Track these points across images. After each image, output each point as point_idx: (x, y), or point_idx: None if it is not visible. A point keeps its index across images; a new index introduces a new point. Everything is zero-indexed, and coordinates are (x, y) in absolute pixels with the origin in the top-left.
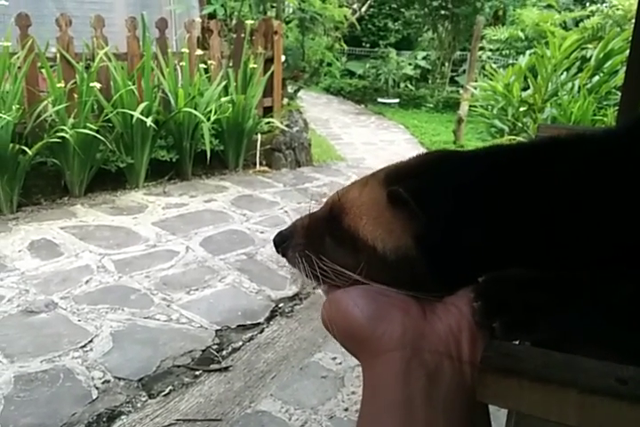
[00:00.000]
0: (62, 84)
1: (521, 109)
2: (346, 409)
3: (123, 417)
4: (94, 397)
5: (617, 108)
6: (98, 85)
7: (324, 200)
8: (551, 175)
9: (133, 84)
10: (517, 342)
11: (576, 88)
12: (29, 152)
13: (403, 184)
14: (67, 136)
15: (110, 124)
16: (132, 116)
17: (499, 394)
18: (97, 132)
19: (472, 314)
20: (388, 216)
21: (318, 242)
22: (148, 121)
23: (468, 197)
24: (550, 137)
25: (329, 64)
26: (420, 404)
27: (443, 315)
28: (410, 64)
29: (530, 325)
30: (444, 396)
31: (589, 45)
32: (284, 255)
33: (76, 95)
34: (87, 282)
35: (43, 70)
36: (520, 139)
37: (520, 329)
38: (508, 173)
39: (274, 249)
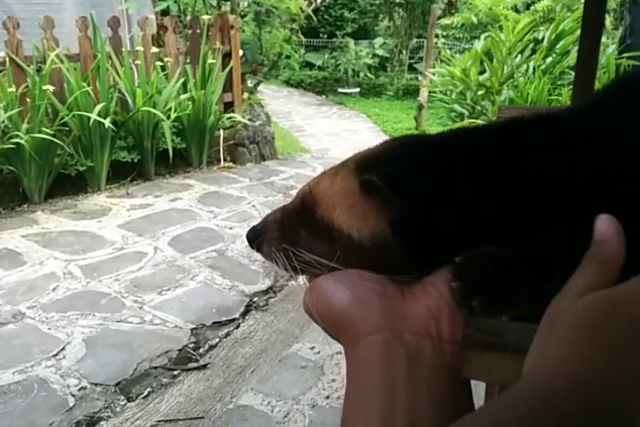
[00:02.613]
0: (13, 89)
1: (479, 93)
2: (327, 397)
3: (102, 423)
4: (71, 405)
5: (571, 87)
6: (51, 88)
7: (293, 193)
8: (517, 155)
9: (88, 86)
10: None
11: (531, 70)
12: None
13: (374, 172)
14: (21, 142)
15: (67, 128)
16: (88, 118)
17: (482, 369)
18: (53, 136)
19: (450, 294)
20: (362, 204)
21: (293, 235)
22: (106, 122)
23: (439, 180)
24: (513, 118)
25: (287, 57)
26: (402, 384)
27: (421, 296)
28: (368, 53)
29: (507, 301)
30: (426, 375)
31: (541, 27)
32: (258, 251)
33: (28, 99)
34: (54, 289)
35: None
36: (480, 122)
37: (498, 306)
38: (476, 154)
39: (246, 245)
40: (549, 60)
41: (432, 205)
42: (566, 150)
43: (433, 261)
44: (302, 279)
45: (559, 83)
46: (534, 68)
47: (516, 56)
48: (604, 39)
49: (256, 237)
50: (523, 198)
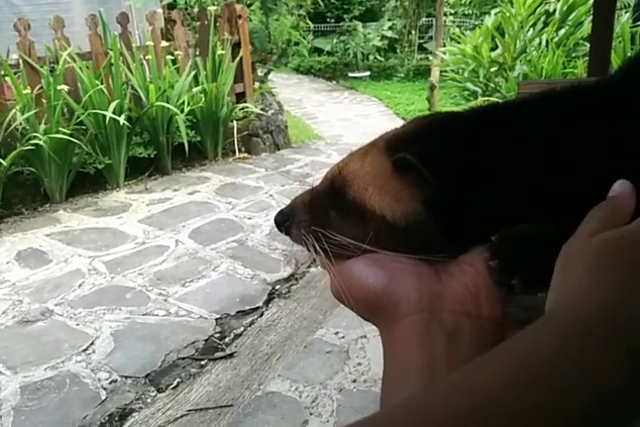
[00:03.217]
0: (29, 91)
1: (492, 70)
2: (354, 381)
3: (134, 414)
4: (103, 398)
5: (586, 58)
6: (65, 88)
7: (310, 180)
8: (550, 129)
9: (101, 83)
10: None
11: (544, 43)
12: (4, 163)
13: (407, 150)
14: (40, 143)
15: (83, 127)
16: (104, 115)
17: None
18: (70, 135)
19: (489, 273)
20: (395, 184)
21: (323, 217)
22: (121, 119)
23: (473, 156)
24: (544, 91)
25: (296, 43)
26: (441, 364)
27: (457, 274)
28: (377, 35)
29: (547, 278)
30: (466, 353)
31: None
32: (287, 234)
33: (44, 100)
34: (80, 286)
35: (7, 78)
36: (494, 99)
37: (538, 283)
38: (508, 130)
39: (266, 234)
40: (562, 32)
41: (467, 183)
42: (601, 123)
43: (467, 239)
44: (326, 263)
45: (574, 55)
46: (547, 42)
47: (528, 30)
48: (617, 7)
49: (285, 221)
50: (558, 173)
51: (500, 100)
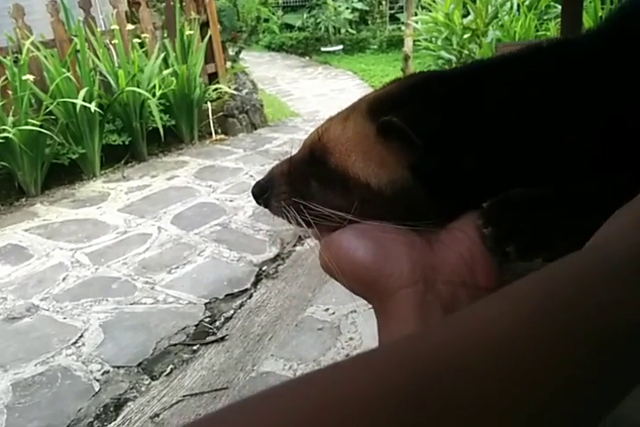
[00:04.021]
0: None
1: (465, 37)
2: (347, 355)
3: (129, 403)
4: (97, 389)
5: (559, 20)
6: (31, 78)
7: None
8: (541, 85)
9: (68, 71)
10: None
11: (515, 7)
12: None
13: (392, 113)
14: (10, 136)
15: (53, 117)
16: (74, 104)
17: None
18: (40, 126)
19: (483, 241)
20: (379, 149)
21: (303, 187)
22: (92, 106)
23: (461, 117)
24: (532, 46)
25: (266, 20)
26: None
27: (450, 243)
28: (347, 8)
29: (543, 244)
30: None
31: None
32: (266, 206)
33: (9, 92)
34: (64, 279)
35: None
36: None
37: (534, 250)
38: (498, 87)
39: (249, 215)
40: None
41: (455, 146)
42: (593, 77)
43: (458, 205)
44: (312, 238)
45: (545, 17)
46: (519, 5)
47: None
48: None
49: (263, 193)
50: (551, 133)
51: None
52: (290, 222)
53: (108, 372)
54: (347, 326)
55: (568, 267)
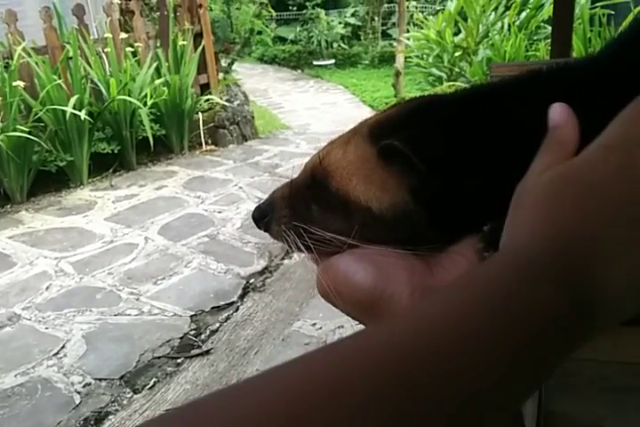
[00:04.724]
0: None
1: (456, 54)
2: None
3: (110, 417)
4: (77, 402)
5: (548, 41)
6: (21, 84)
7: (279, 171)
8: (542, 111)
9: (59, 78)
10: None
11: (506, 26)
12: None
13: (393, 137)
14: None
15: (42, 124)
16: (63, 111)
17: None
18: (29, 133)
19: None
20: (381, 173)
21: (304, 211)
22: (82, 114)
23: (462, 141)
24: (532, 70)
25: (259, 32)
26: None
27: (450, 267)
28: (340, 23)
29: None
30: None
31: None
32: (266, 230)
33: None
34: (47, 288)
35: None
36: (459, 84)
37: None
38: (499, 112)
39: (237, 227)
40: (524, 15)
41: (457, 170)
42: (593, 102)
43: (458, 229)
44: (309, 261)
45: (535, 38)
46: (509, 25)
47: (490, 14)
48: None
49: (263, 217)
50: None
51: (466, 85)
52: (290, 247)
53: (89, 384)
54: None
55: (484, 272)
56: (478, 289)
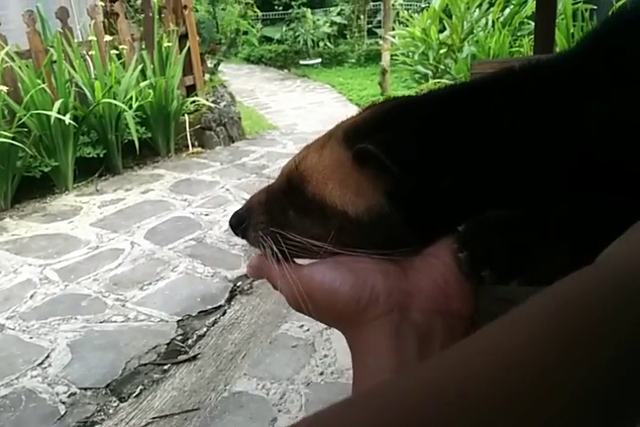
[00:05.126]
0: None
1: (441, 52)
2: (321, 373)
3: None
4: (62, 412)
5: (532, 37)
6: (4, 89)
7: (266, 172)
8: (516, 110)
9: (43, 82)
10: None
11: (490, 23)
12: None
13: (367, 140)
14: None
15: (26, 129)
16: (48, 116)
17: None
18: (12, 138)
19: (458, 265)
20: (356, 177)
21: (281, 217)
22: (67, 119)
23: (435, 143)
24: (505, 69)
25: (245, 33)
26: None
27: (425, 269)
28: (326, 22)
29: (519, 267)
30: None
31: None
32: (244, 237)
33: None
34: (32, 297)
35: None
36: (444, 81)
37: (510, 273)
38: (472, 113)
39: (225, 230)
40: (507, 11)
41: (430, 172)
42: (565, 101)
43: (434, 231)
44: (283, 269)
45: (519, 34)
46: (493, 22)
47: (475, 11)
48: None
49: (240, 223)
50: (524, 157)
51: (451, 82)
52: (266, 253)
53: (74, 394)
54: (321, 343)
55: (577, 288)
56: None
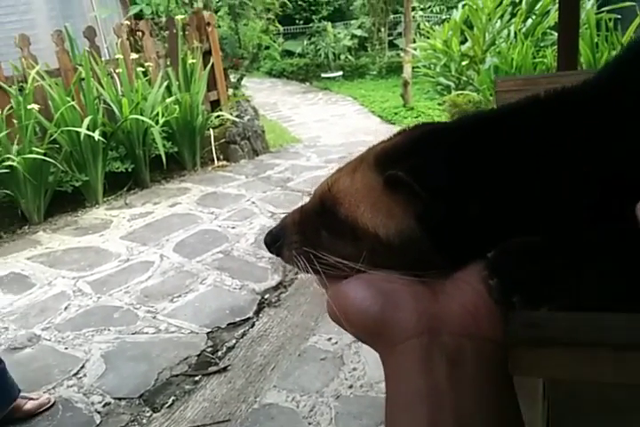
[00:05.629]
0: None
1: (463, 63)
2: (350, 386)
3: None
4: (98, 422)
5: (555, 47)
6: (36, 107)
7: (290, 185)
8: (545, 139)
9: (72, 100)
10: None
11: (512, 34)
12: None
13: (398, 166)
14: (14, 164)
15: (57, 145)
16: (77, 132)
17: (532, 365)
18: (44, 154)
19: (489, 292)
20: (387, 201)
21: (314, 237)
22: (96, 135)
23: (465, 169)
24: (531, 97)
25: (267, 47)
26: (446, 389)
27: (455, 294)
28: (346, 35)
29: (549, 293)
30: (470, 377)
31: None
32: (278, 255)
33: (14, 120)
34: (66, 308)
35: None
36: (468, 93)
37: (540, 299)
38: (501, 141)
39: (251, 243)
40: (529, 22)
41: (460, 197)
42: (592, 132)
43: (463, 255)
44: (318, 286)
45: (542, 44)
46: (515, 33)
47: (496, 22)
48: None
49: (275, 242)
50: (554, 183)
51: (474, 93)
52: (300, 271)
53: (109, 404)
54: (350, 356)
55: None
56: None
